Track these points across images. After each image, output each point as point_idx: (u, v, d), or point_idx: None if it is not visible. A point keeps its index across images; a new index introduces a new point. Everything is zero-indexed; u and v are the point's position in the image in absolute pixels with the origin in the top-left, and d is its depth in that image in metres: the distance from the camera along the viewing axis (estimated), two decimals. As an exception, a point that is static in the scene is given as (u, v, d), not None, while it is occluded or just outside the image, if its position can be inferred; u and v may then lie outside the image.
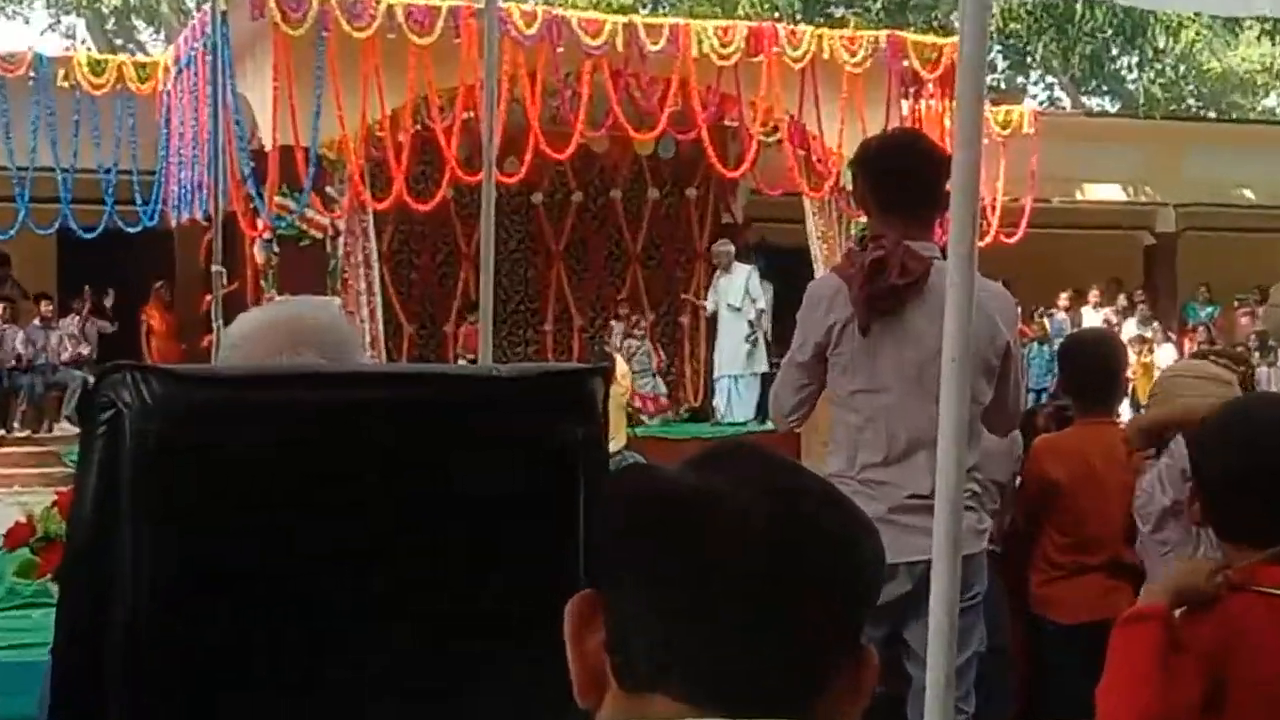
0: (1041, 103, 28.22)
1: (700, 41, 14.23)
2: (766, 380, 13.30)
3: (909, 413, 3.76)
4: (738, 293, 15.44)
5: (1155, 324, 19.54)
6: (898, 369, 3.77)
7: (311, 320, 2.07)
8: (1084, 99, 28.67)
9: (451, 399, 1.82)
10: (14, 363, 16.17)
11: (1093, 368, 4.59)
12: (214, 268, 8.78)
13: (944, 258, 3.56)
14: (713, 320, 15.97)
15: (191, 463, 1.67)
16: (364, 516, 1.73)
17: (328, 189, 13.42)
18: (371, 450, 1.75)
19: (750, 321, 15.35)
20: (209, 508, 1.67)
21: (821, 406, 4.02)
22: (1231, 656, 2.32)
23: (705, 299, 16.22)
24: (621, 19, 14.86)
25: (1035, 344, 18.35)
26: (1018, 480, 4.69)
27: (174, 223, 15.71)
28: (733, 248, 15.87)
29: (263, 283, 13.24)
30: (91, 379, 1.70)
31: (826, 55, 14.65)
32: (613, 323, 16.42)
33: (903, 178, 3.79)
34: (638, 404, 14.67)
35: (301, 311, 2.10)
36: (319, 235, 13.42)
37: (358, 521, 1.73)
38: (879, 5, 23.76)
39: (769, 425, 10.43)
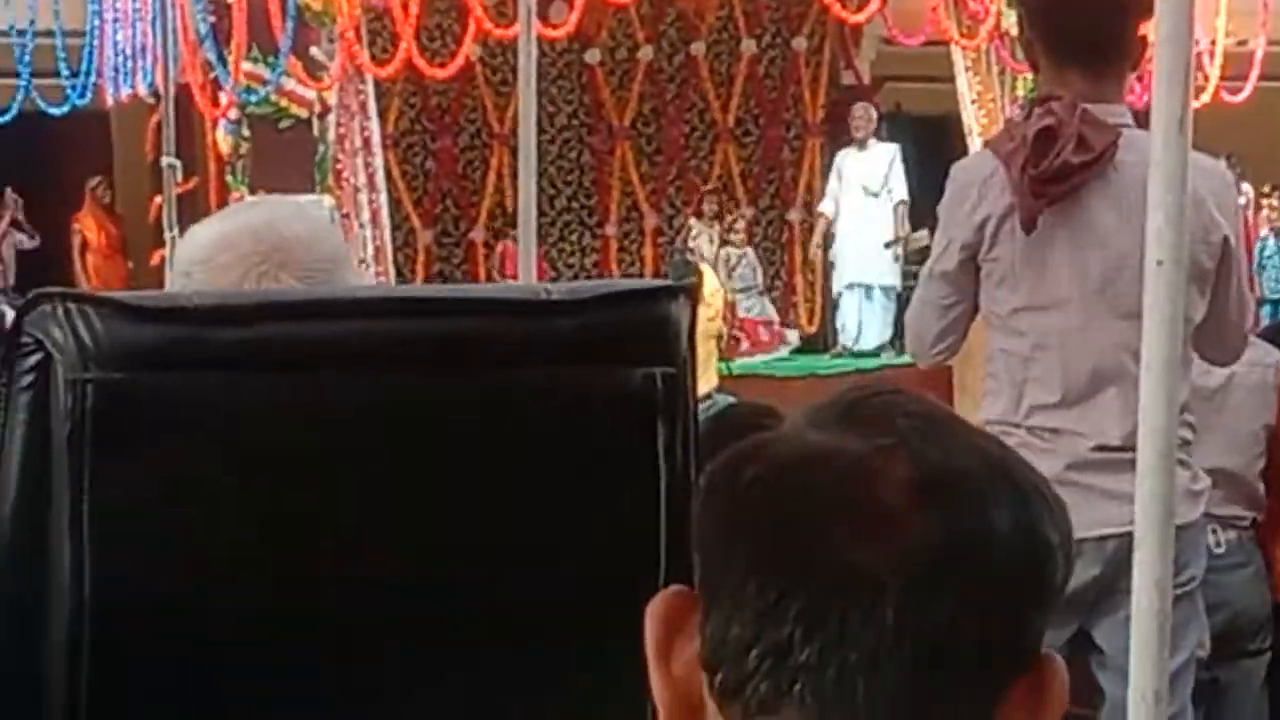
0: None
1: None
2: (905, 297, 13.24)
3: (1093, 336, 3.77)
4: (877, 175, 15.34)
5: None
6: (1076, 278, 3.77)
7: (289, 232, 2.09)
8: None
9: (481, 332, 1.83)
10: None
11: None
12: (165, 159, 8.89)
13: (1138, 126, 3.56)
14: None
15: (146, 424, 1.70)
16: (370, 491, 1.76)
17: (313, 51, 13.47)
18: (380, 404, 1.78)
19: (896, 208, 15.21)
20: (170, 482, 1.70)
21: (979, 330, 4.04)
22: None
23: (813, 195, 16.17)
24: None
25: (1272, 238, 18.17)
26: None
27: (111, 100, 15.83)
28: (876, 115, 15.77)
29: (229, 178, 13.35)
30: (9, 313, 1.73)
31: None
32: (692, 221, 16.40)
33: (1081, 16, 3.79)
34: (741, 333, 14.64)
35: (275, 220, 2.12)
36: (303, 113, 13.49)
37: (362, 498, 1.76)
38: None
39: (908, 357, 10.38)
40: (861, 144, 15.57)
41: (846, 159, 15.68)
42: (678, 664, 1.21)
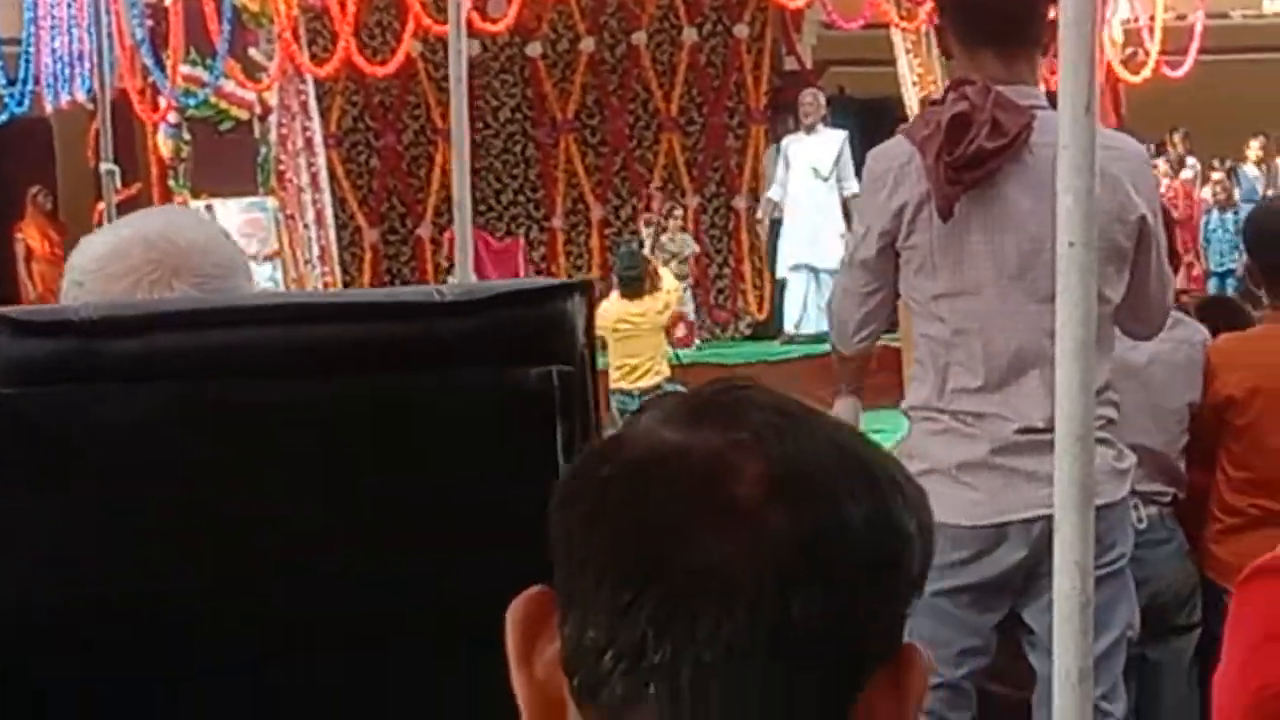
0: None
1: None
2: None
3: (1012, 319, 3.79)
4: (826, 159, 15.33)
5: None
6: (994, 262, 3.79)
7: (183, 240, 2.09)
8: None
9: (373, 336, 1.83)
10: None
11: None
12: (103, 165, 8.84)
13: (1052, 107, 3.58)
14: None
15: (37, 439, 1.70)
16: (265, 499, 1.76)
17: (251, 52, 13.44)
18: (273, 411, 1.78)
19: (845, 201, 15.19)
20: (62, 495, 1.70)
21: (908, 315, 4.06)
22: None
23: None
24: None
25: (1215, 211, 18.25)
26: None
27: (49, 107, 15.75)
28: (824, 100, 15.78)
29: (171, 182, 13.31)
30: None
31: None
32: (645, 217, 16.39)
33: (988, 2, 3.82)
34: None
35: (168, 228, 2.11)
36: (243, 115, 13.45)
37: (257, 506, 1.75)
38: None
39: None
40: (810, 129, 15.57)
41: (793, 144, 15.68)
42: (539, 666, 1.21)
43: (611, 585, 1.16)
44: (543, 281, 1.96)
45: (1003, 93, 3.78)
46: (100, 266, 2.09)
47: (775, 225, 15.95)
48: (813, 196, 15.36)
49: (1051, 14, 3.62)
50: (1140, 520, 4.56)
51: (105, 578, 1.72)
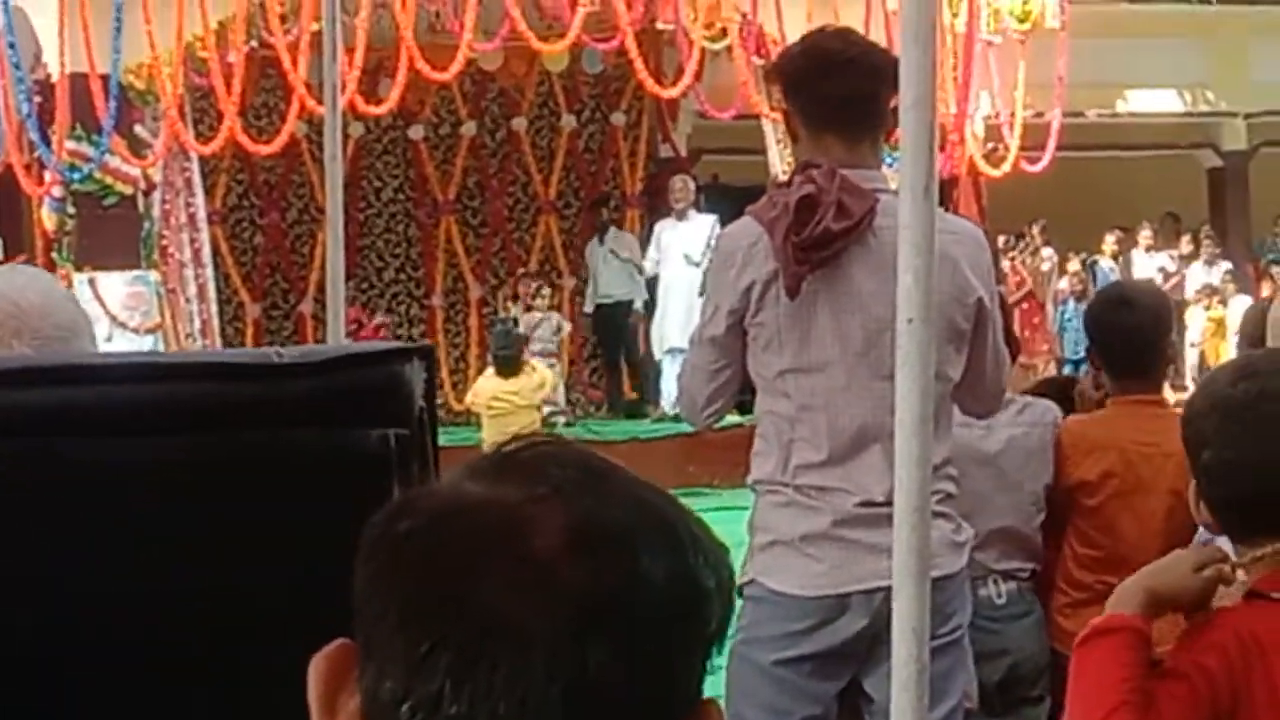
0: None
1: (621, -82, 14.24)
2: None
3: (855, 396, 3.81)
4: (698, 245, 15.40)
5: (1226, 267, 19.73)
6: (839, 340, 3.81)
7: (24, 301, 2.07)
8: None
9: (210, 396, 1.81)
10: None
11: (1120, 329, 4.69)
12: (-18, 237, 8.76)
13: (894, 191, 3.61)
14: (651, 284, 15.93)
15: None
16: (96, 555, 1.73)
17: (137, 129, 13.35)
18: (107, 469, 1.76)
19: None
20: None
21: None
22: (1248, 684, 2.38)
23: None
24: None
25: (1071, 301, 18.50)
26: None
27: (-64, 180, 15.60)
28: (694, 186, 15.87)
29: (55, 255, 13.17)
30: None
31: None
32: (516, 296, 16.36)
33: (835, 84, 3.85)
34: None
35: (8, 289, 2.09)
36: (128, 190, 13.35)
37: (87, 563, 1.73)
38: None
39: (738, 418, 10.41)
40: (681, 214, 15.64)
41: (665, 229, 15.71)
42: (341, 718, 1.20)
43: (408, 635, 1.15)
44: (380, 345, 1.96)
45: (848, 176, 3.81)
46: None
47: (650, 308, 15.98)
48: (685, 281, 15.38)
49: (893, 101, 3.66)
50: (1000, 596, 4.60)
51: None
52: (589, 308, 16.55)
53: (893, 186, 3.75)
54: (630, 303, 16.30)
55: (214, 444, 1.81)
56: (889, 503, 3.25)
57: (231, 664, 1.77)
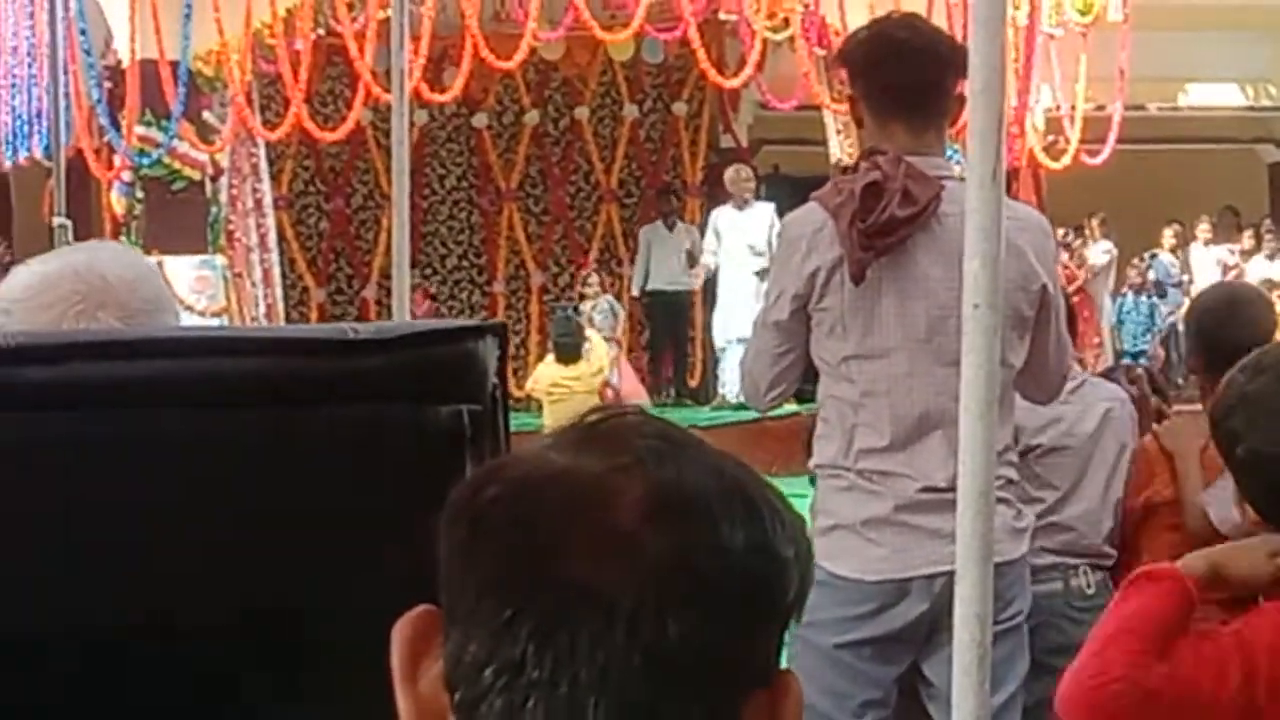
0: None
1: (685, -90, 14.23)
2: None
3: (919, 382, 3.81)
4: (761, 232, 15.35)
5: (1288, 263, 19.57)
6: (903, 326, 3.81)
7: (111, 274, 2.08)
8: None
9: (286, 370, 1.81)
10: None
11: (1231, 334, 4.46)
12: (55, 220, 8.81)
13: (961, 179, 3.61)
14: (711, 279, 15.86)
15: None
16: (179, 529, 1.73)
17: (205, 115, 13.41)
18: (189, 442, 1.76)
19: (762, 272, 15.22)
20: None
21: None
22: None
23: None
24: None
25: (1130, 294, 18.39)
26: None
27: (7, 164, 15.69)
28: (754, 176, 15.83)
29: (123, 239, 13.23)
30: None
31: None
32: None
33: (902, 72, 3.85)
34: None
35: (96, 261, 2.10)
36: (196, 176, 13.42)
37: (170, 536, 1.73)
38: None
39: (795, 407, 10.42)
40: (742, 204, 15.59)
41: (721, 217, 15.58)
42: (424, 683, 1.21)
43: (492, 602, 1.16)
44: (454, 322, 1.95)
45: (913, 163, 3.81)
46: (28, 297, 2.09)
47: (711, 294, 15.95)
48: (748, 270, 15.31)
49: (959, 88, 3.66)
50: (1090, 586, 4.55)
51: (20, 599, 1.71)
52: (635, 291, 16.48)
53: (957, 174, 3.75)
54: (690, 292, 16.29)
55: (291, 418, 1.81)
56: (951, 488, 3.25)
57: (309, 641, 1.77)
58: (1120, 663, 2.35)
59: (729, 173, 15.70)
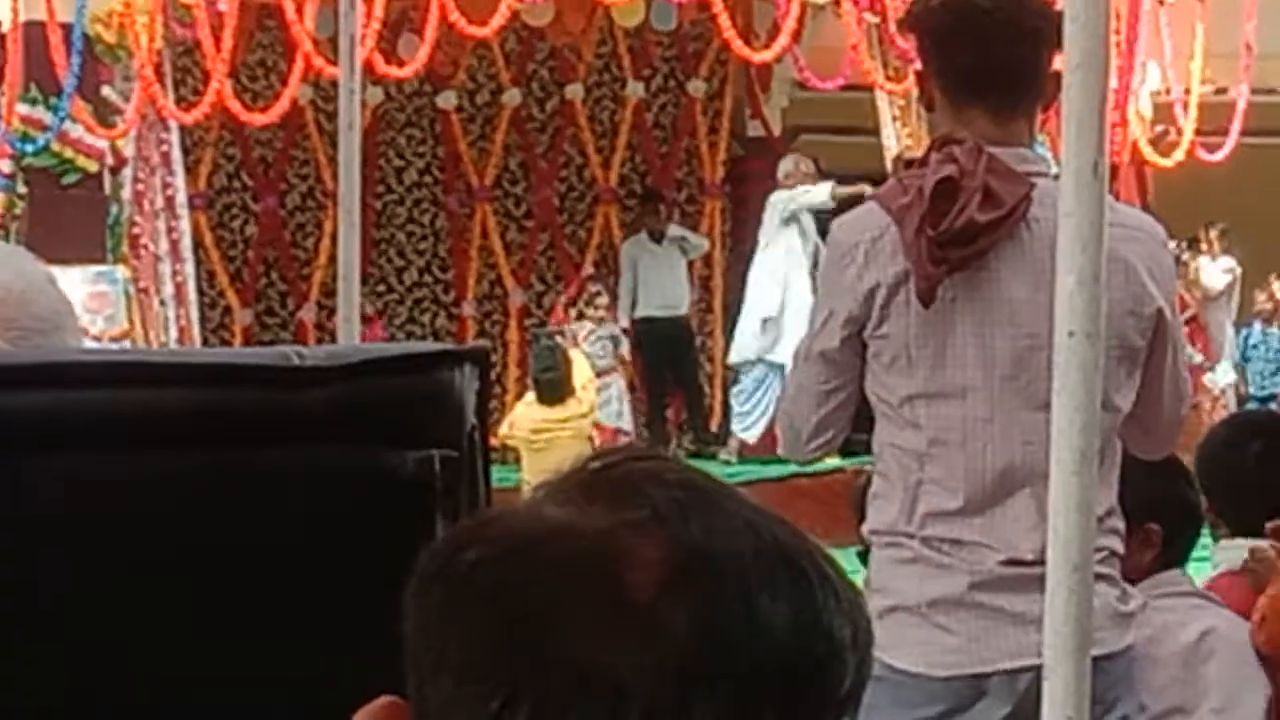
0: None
1: None
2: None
3: (1001, 429, 3.80)
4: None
5: None
6: (982, 360, 3.80)
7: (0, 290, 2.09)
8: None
9: (214, 404, 1.82)
10: None
11: None
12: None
13: (1055, 176, 3.60)
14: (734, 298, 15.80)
15: None
16: (76, 590, 1.74)
17: (104, 91, 13.46)
18: (90, 488, 1.76)
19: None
20: None
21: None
22: None
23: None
24: None
25: (1258, 324, 18.41)
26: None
27: None
28: (816, 171, 15.75)
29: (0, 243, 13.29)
30: None
31: None
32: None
33: (981, 45, 3.85)
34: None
35: None
36: (92, 167, 13.45)
37: (65, 598, 1.74)
38: None
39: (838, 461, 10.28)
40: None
41: (781, 213, 15.42)
42: None
43: (475, 689, 1.17)
44: (424, 346, 1.95)
45: (997, 156, 3.81)
46: None
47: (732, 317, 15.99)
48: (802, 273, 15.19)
49: (1055, 65, 3.65)
50: None
51: None
52: (622, 320, 16.48)
53: (1054, 171, 3.74)
54: (687, 316, 16.33)
55: (216, 463, 1.81)
56: (1040, 561, 3.25)
57: None
58: None
59: (786, 163, 15.68)
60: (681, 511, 1.19)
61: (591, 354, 15.27)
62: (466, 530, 1.24)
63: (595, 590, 1.16)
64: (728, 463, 15.35)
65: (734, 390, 15.81)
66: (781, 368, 14.83)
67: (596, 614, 1.15)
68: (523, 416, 13.83)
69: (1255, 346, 18.28)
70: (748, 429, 15.56)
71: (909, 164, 4.08)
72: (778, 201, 15.43)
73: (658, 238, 16.37)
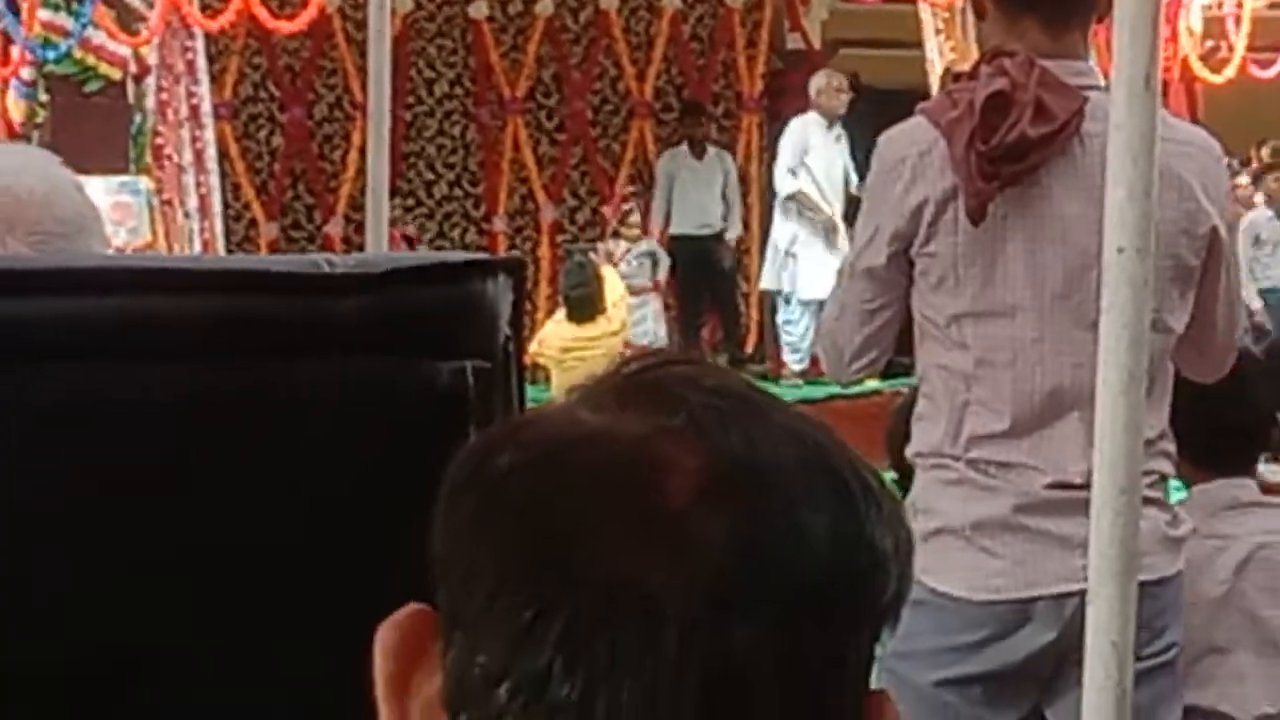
0: None
1: None
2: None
3: (1051, 349, 3.81)
4: (838, 168, 15.31)
5: None
6: (1033, 279, 3.81)
7: (20, 187, 2.09)
8: None
9: (241, 313, 1.81)
10: None
11: None
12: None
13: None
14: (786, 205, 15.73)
15: None
16: (99, 503, 1.74)
17: (127, -4, 13.47)
18: (112, 400, 1.76)
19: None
20: None
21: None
22: None
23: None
24: None
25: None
26: None
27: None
28: (848, 88, 15.65)
29: (23, 153, 13.32)
30: None
31: None
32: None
33: None
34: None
35: (4, 174, 2.11)
36: (115, 75, 13.45)
37: (87, 510, 1.74)
38: None
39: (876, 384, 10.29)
40: (832, 123, 15.44)
41: (812, 132, 15.25)
42: (415, 704, 1.20)
43: (507, 599, 1.15)
44: (458, 256, 1.95)
45: (1050, 69, 3.80)
46: None
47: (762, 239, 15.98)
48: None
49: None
50: None
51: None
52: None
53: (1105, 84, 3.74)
54: (722, 233, 16.34)
55: (243, 373, 1.81)
56: (1088, 485, 3.25)
57: (268, 648, 1.79)
58: None
59: (818, 79, 15.61)
60: (721, 418, 1.17)
61: (629, 274, 15.26)
62: (498, 434, 1.22)
63: (630, 499, 1.14)
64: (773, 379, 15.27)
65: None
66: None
67: (631, 524, 1.13)
68: (552, 334, 13.86)
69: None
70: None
71: (957, 77, 4.06)
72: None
73: (699, 152, 16.35)
